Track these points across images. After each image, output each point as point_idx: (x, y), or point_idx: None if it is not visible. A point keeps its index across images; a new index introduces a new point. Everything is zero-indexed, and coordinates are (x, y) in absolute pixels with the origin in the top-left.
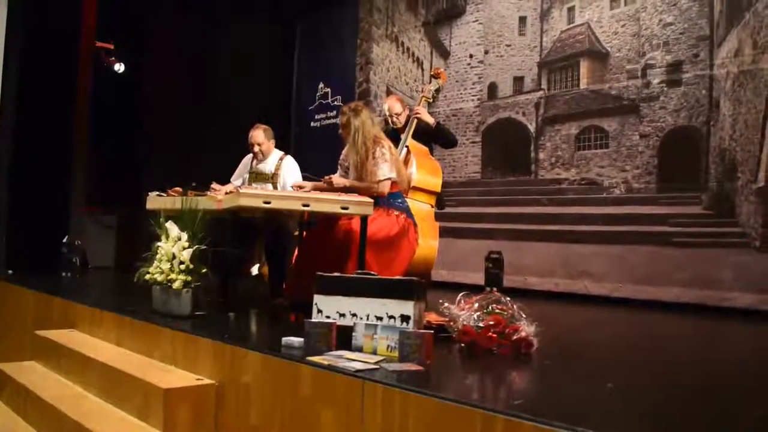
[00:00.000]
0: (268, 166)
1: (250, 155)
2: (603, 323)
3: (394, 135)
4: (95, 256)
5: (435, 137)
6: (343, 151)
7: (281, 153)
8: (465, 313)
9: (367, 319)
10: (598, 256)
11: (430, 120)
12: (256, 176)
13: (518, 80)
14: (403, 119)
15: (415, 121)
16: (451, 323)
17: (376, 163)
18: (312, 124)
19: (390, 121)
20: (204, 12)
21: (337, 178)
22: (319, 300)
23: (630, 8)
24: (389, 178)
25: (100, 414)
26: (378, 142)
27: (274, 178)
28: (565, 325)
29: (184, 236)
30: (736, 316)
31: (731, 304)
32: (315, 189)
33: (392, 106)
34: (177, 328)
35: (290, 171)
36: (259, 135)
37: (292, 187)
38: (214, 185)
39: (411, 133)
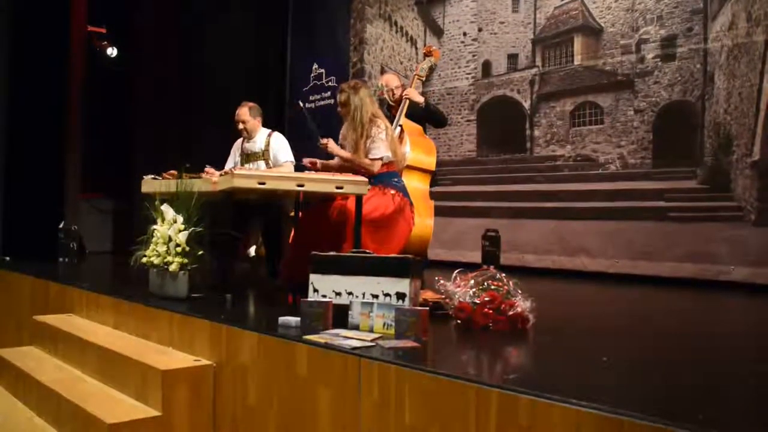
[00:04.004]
0: (257, 144)
1: (240, 140)
2: (599, 299)
3: (388, 113)
4: (93, 241)
5: (426, 117)
6: (342, 130)
7: (269, 130)
8: (461, 289)
9: (363, 297)
10: (594, 232)
11: (420, 99)
12: (248, 157)
13: (512, 57)
14: (399, 93)
15: (407, 102)
16: (447, 300)
17: (372, 141)
18: (306, 105)
19: (388, 95)
20: None
21: (333, 144)
22: (315, 279)
23: None
24: (382, 158)
25: (99, 397)
26: (374, 120)
27: (264, 155)
28: (562, 301)
29: (180, 219)
30: (731, 289)
31: (727, 278)
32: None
33: (390, 80)
34: (174, 310)
35: (280, 146)
36: (245, 112)
37: (306, 164)
38: (208, 168)
39: (404, 112)
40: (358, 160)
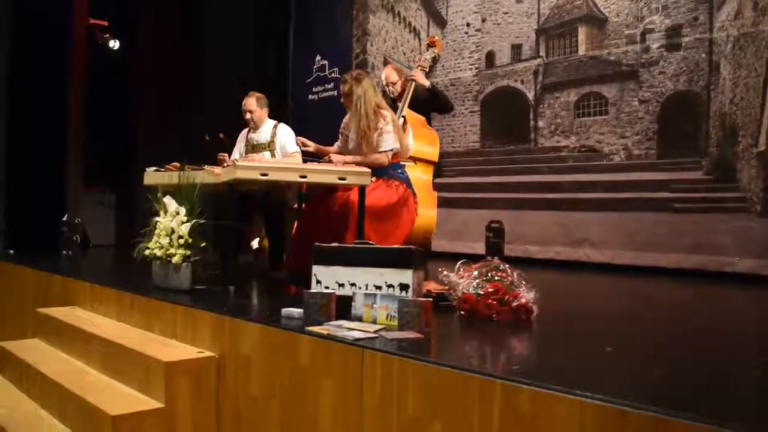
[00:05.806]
0: (263, 135)
1: (245, 130)
2: (603, 290)
3: (392, 104)
4: (96, 234)
5: (431, 102)
6: (345, 119)
7: (275, 122)
8: (464, 280)
9: (366, 288)
10: (598, 223)
11: (426, 83)
12: (253, 147)
13: (516, 48)
14: (398, 88)
15: (413, 85)
16: (451, 291)
17: (380, 134)
18: (310, 97)
19: (387, 90)
20: None
21: (336, 157)
22: (317, 271)
23: None
24: (392, 149)
25: (102, 388)
26: (379, 112)
27: (270, 146)
28: (566, 292)
29: (183, 210)
30: (736, 281)
31: (732, 269)
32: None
33: (388, 75)
34: (177, 302)
35: (286, 138)
36: (252, 102)
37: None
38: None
39: (409, 100)
40: (369, 158)
